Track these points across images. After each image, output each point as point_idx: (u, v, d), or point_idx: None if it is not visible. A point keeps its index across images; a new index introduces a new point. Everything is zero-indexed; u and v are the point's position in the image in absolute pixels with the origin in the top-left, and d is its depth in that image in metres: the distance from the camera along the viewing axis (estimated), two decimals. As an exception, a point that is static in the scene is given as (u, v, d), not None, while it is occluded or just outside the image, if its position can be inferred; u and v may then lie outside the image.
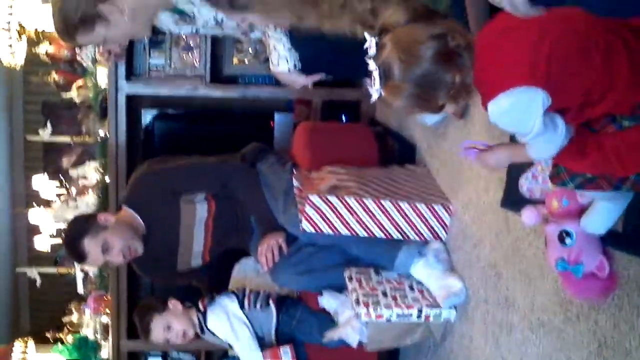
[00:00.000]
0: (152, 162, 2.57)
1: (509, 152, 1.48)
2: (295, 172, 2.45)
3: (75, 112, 4.27)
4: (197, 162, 2.55)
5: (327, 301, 2.38)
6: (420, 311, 2.13)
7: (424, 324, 2.17)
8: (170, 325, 2.38)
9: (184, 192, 2.46)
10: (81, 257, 2.36)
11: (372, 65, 1.34)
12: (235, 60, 3.28)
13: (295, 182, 2.40)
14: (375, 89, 1.35)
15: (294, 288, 2.48)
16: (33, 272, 3.89)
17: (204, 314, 2.41)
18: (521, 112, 1.24)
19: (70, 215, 3.32)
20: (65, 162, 6.07)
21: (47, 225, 4.11)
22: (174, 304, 2.40)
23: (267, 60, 2.32)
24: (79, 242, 2.32)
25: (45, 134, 3.74)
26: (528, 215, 1.56)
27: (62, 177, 4.50)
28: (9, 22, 3.25)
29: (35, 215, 4.13)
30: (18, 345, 3.56)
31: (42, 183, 4.24)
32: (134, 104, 3.18)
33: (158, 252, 2.51)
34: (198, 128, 3.30)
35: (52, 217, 3.48)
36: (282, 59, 2.19)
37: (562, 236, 1.47)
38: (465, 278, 2.09)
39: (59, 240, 4.35)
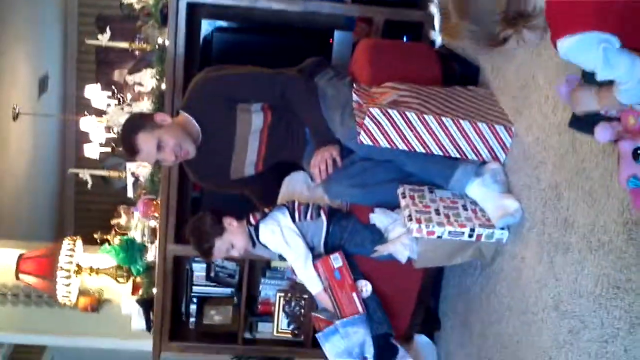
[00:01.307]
0: (210, 70, 2.56)
1: (596, 96, 1.48)
2: (355, 86, 2.43)
3: (129, 24, 4.28)
4: (256, 71, 2.54)
5: (379, 218, 2.40)
6: (472, 230, 2.12)
7: (475, 243, 2.17)
8: (232, 244, 2.41)
9: (241, 101, 2.46)
10: (134, 152, 2.40)
11: (432, 9, 1.32)
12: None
13: (354, 96, 2.37)
14: (437, 33, 1.33)
15: (347, 201, 2.49)
16: (85, 174, 3.98)
17: (256, 228, 2.44)
18: (588, 56, 1.28)
19: (124, 120, 3.37)
20: (117, 74, 6.14)
21: (97, 134, 4.20)
22: (229, 222, 2.40)
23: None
24: (134, 136, 2.36)
25: (104, 39, 3.76)
26: (602, 131, 1.53)
27: (114, 88, 4.57)
28: None
29: (86, 123, 4.22)
30: (66, 243, 3.66)
31: (94, 92, 4.30)
32: (195, 12, 3.15)
33: (212, 158, 2.54)
34: (256, 41, 3.26)
35: (106, 120, 3.54)
36: None
37: (637, 153, 1.44)
38: (523, 200, 2.06)
39: (107, 149, 4.46)
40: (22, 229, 5.18)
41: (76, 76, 7.11)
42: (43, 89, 6.39)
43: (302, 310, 3.18)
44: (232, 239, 2.39)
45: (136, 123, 2.43)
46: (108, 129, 4.06)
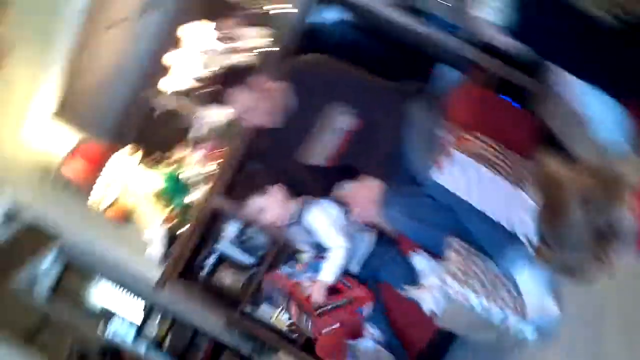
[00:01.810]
0: (332, 60, 2.57)
1: None
2: (445, 124, 2.42)
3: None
4: (372, 83, 2.56)
5: (420, 261, 2.39)
6: (505, 318, 2.10)
7: (501, 329, 2.15)
8: (266, 208, 2.43)
9: (342, 100, 2.47)
10: (229, 100, 2.45)
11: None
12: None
13: (442, 133, 2.37)
14: None
15: (397, 228, 2.49)
16: (163, 100, 4.01)
17: (304, 209, 2.45)
18: None
19: (216, 65, 3.41)
20: (225, 22, 6.17)
21: (179, 71, 4.18)
22: (277, 189, 2.44)
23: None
24: (237, 87, 2.41)
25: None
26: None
27: (223, 33, 4.59)
28: None
29: (172, 56, 4.19)
30: (126, 150, 3.69)
31: (194, 30, 4.29)
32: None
33: (289, 132, 2.56)
34: (367, 44, 3.24)
35: (205, 60, 3.57)
36: (489, 6, 2.00)
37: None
38: (567, 305, 2.03)
39: (183, 87, 4.43)
40: (90, 124, 5.25)
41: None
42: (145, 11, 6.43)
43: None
44: (266, 205, 2.40)
45: (244, 75, 2.48)
46: (196, 67, 4.04)
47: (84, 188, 3.68)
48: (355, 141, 2.53)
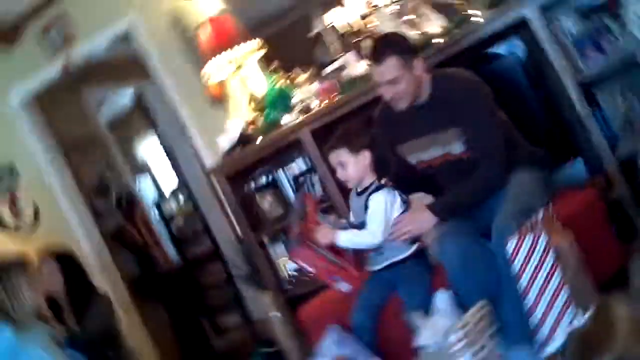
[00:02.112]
0: (482, 83, 2.48)
1: None
2: (549, 206, 2.33)
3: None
4: (503, 122, 2.51)
5: (444, 299, 2.32)
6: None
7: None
8: (347, 165, 2.42)
9: (465, 127, 2.41)
10: (374, 61, 2.43)
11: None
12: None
13: (541, 212, 2.28)
14: None
15: (440, 261, 2.42)
16: (321, 25, 3.95)
17: (379, 187, 2.44)
18: None
19: (383, 23, 3.35)
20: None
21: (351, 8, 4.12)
22: (366, 156, 2.42)
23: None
24: (388, 54, 2.38)
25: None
26: None
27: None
28: None
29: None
30: (255, 42, 3.65)
31: None
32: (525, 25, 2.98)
33: (404, 121, 2.53)
34: (528, 94, 3.12)
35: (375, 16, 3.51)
36: None
37: None
38: None
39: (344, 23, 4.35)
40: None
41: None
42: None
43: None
44: (349, 162, 2.39)
45: (400, 45, 2.44)
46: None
47: (202, 55, 3.69)
48: (453, 167, 2.48)
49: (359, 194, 2.46)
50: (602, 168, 2.94)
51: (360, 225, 2.44)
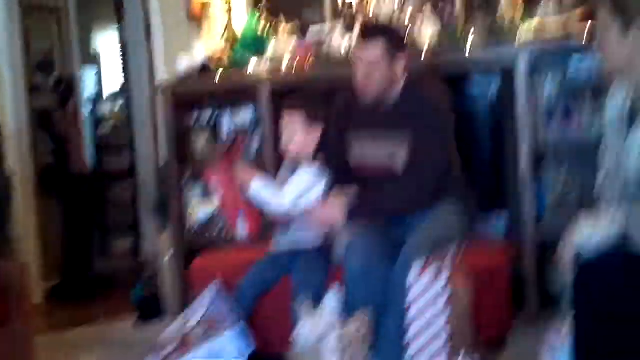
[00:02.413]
0: (448, 108, 2.47)
1: None
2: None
3: None
4: (451, 154, 2.50)
5: (333, 298, 2.29)
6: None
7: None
8: (296, 132, 2.39)
9: (414, 138, 2.38)
10: (365, 37, 2.40)
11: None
12: None
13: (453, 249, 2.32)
14: None
15: (344, 262, 2.33)
16: None
17: (310, 164, 2.42)
18: None
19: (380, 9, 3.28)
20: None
21: None
22: (316, 131, 2.39)
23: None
24: (376, 39, 2.35)
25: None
26: None
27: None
28: None
29: None
30: None
31: None
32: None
33: (361, 113, 2.49)
34: (484, 129, 3.17)
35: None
36: None
37: None
38: None
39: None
40: None
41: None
42: None
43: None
44: (300, 130, 2.39)
45: (393, 35, 2.41)
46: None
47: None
48: (386, 181, 2.44)
49: (292, 167, 2.42)
50: (521, 234, 2.96)
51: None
